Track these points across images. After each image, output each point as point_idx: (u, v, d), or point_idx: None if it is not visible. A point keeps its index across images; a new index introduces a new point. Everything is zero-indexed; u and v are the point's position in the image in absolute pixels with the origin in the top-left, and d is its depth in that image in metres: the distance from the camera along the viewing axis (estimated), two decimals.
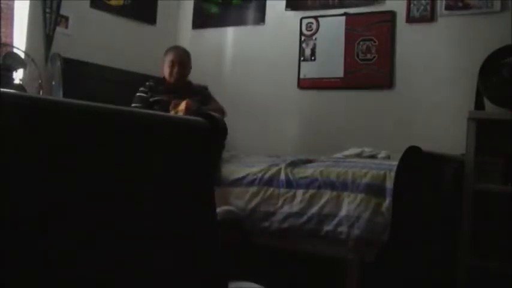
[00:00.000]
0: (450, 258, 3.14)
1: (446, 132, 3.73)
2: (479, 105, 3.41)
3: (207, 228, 1.30)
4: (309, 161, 3.31)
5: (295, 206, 3.04)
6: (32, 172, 0.95)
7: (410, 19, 4.04)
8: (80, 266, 1.01)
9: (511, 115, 3.16)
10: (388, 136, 4.00)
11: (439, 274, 3.06)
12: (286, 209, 3.04)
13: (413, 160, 2.92)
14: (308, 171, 3.14)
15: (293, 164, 3.25)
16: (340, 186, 2.99)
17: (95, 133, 1.05)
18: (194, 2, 4.97)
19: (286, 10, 4.55)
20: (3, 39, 3.76)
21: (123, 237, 1.09)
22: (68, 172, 1.00)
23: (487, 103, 3.42)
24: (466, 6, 3.83)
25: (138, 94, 4.00)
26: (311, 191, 3.04)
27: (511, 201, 3.07)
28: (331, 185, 3.01)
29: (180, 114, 3.54)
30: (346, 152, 3.68)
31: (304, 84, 4.45)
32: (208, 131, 1.27)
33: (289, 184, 3.10)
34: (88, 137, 1.03)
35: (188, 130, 1.27)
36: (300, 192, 3.06)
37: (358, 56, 4.21)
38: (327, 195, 3.00)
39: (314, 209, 2.98)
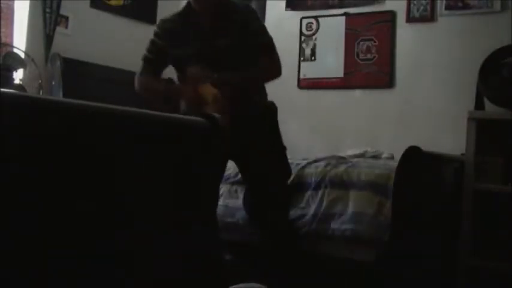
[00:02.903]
0: (450, 258, 3.14)
1: (446, 132, 3.73)
2: (479, 105, 3.41)
3: (207, 229, 1.30)
4: (314, 161, 3.32)
5: (302, 207, 3.04)
6: (32, 172, 0.95)
7: (410, 19, 4.04)
8: (79, 270, 1.01)
9: (511, 115, 3.16)
10: (388, 136, 4.00)
11: (439, 274, 3.06)
12: (294, 211, 3.04)
13: (413, 160, 2.92)
14: (314, 171, 3.15)
15: (298, 165, 3.25)
16: (345, 185, 3.02)
17: (94, 133, 1.05)
18: None
19: (286, 10, 4.55)
20: (3, 39, 3.76)
21: (123, 237, 1.09)
22: (68, 172, 1.00)
23: (487, 103, 3.42)
24: (466, 6, 3.83)
25: (151, 39, 2.87)
26: (318, 191, 3.05)
27: (511, 201, 3.06)
28: (338, 185, 3.03)
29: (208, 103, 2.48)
30: (349, 152, 3.68)
31: (304, 84, 4.45)
32: (208, 131, 1.27)
33: (300, 186, 3.11)
34: (87, 137, 1.03)
35: (188, 130, 1.27)
36: (307, 193, 3.07)
37: (358, 56, 4.21)
38: (333, 194, 3.02)
39: (321, 209, 3.00)
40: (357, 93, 4.25)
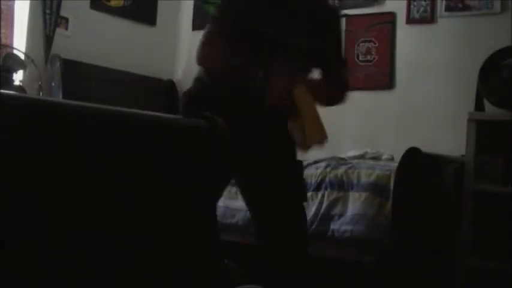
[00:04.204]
0: (450, 258, 3.14)
1: (446, 133, 3.73)
2: (479, 106, 3.41)
3: (206, 231, 1.30)
4: (315, 162, 3.32)
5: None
6: (32, 172, 0.95)
7: (410, 20, 4.04)
8: (79, 270, 1.01)
9: (511, 116, 3.16)
10: (388, 137, 3.99)
11: (439, 274, 3.06)
12: None
13: (414, 161, 2.92)
14: (314, 172, 3.15)
15: None
16: (345, 186, 3.02)
17: (94, 134, 1.05)
18: (194, 3, 4.96)
19: None
20: (3, 41, 3.76)
21: (121, 238, 1.09)
22: (67, 172, 1.00)
23: (487, 104, 3.42)
24: (466, 7, 3.83)
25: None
26: (318, 192, 3.06)
27: (511, 202, 3.06)
28: (338, 186, 3.04)
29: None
30: (349, 153, 3.68)
31: None
32: (208, 132, 1.27)
33: None
34: (87, 138, 1.03)
35: (187, 131, 1.27)
36: (307, 194, 3.08)
37: (358, 57, 4.21)
38: (333, 195, 3.02)
39: (321, 210, 3.00)
40: (357, 94, 4.24)
